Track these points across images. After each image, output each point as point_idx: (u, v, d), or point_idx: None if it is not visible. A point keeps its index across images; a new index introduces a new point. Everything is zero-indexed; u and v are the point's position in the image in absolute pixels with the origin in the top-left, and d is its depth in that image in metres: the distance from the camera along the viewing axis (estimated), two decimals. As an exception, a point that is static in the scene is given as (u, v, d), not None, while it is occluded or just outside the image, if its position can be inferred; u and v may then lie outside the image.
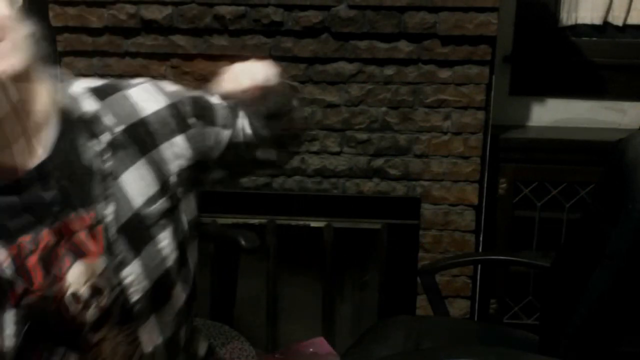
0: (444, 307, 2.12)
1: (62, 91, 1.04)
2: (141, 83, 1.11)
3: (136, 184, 1.04)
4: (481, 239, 2.49)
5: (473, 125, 2.38)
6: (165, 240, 1.06)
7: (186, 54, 2.35)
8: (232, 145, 1.18)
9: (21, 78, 0.93)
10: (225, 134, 1.16)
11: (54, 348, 1.00)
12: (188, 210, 1.11)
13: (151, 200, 1.05)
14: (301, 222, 2.47)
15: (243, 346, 1.94)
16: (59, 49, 2.35)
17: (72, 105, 1.03)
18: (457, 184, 2.42)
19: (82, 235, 1.00)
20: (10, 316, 0.96)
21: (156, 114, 1.08)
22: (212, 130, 1.14)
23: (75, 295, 0.99)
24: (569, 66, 2.68)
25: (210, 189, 1.22)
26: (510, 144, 2.55)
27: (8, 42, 0.91)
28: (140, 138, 1.06)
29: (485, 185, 2.46)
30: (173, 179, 1.08)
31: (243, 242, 2.03)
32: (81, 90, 1.06)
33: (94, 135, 1.03)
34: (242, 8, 2.29)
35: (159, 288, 1.05)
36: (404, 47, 2.32)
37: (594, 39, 2.67)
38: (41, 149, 0.99)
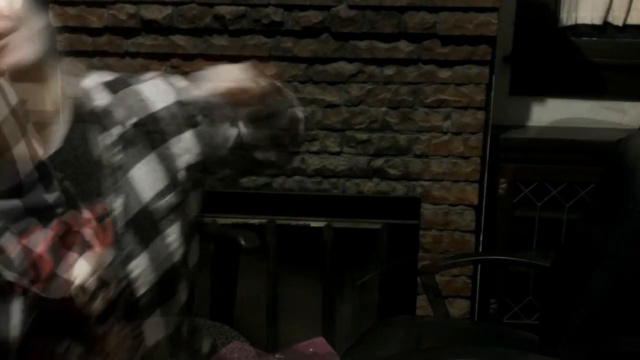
0: (444, 307, 2.13)
1: (73, 85, 1.04)
2: (152, 78, 1.12)
3: (145, 178, 1.05)
4: (481, 239, 2.49)
5: (473, 125, 2.38)
6: (172, 235, 1.06)
7: (186, 54, 2.35)
8: (237, 145, 1.18)
9: (33, 70, 0.94)
10: (232, 132, 1.17)
11: (59, 340, 1.00)
12: (193, 207, 1.12)
13: (160, 195, 1.05)
14: (301, 222, 2.47)
15: (243, 346, 1.94)
16: (58, 49, 2.35)
17: (84, 98, 1.04)
18: (457, 184, 2.42)
19: (91, 228, 1.00)
20: (17, 306, 0.97)
21: (166, 109, 1.09)
22: (220, 128, 1.15)
23: (81, 287, 1.00)
24: (569, 66, 2.68)
25: (210, 188, 1.22)
26: (510, 144, 2.55)
27: (22, 33, 0.92)
28: (150, 133, 1.06)
29: (485, 185, 2.46)
30: (182, 174, 1.09)
31: (243, 242, 2.03)
32: (93, 84, 1.07)
33: (105, 128, 1.03)
34: (242, 8, 2.29)
35: (165, 282, 1.06)
36: (404, 47, 2.32)
37: (594, 39, 2.67)
38: (52, 142, 1.00)
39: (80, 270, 1.00)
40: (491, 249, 2.55)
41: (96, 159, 1.02)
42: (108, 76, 1.10)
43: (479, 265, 2.50)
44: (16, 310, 0.97)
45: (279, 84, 1.25)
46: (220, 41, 2.33)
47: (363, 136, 2.40)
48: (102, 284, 1.01)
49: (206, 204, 1.20)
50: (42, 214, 0.98)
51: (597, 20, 2.64)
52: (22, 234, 0.97)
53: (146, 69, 2.36)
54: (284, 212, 2.46)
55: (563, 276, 1.75)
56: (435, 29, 2.28)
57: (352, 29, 2.30)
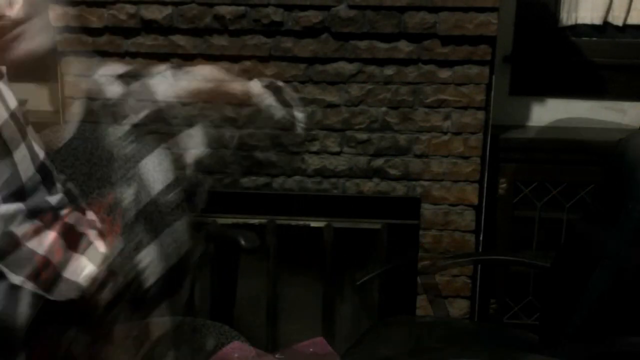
0: (444, 307, 2.13)
1: (82, 81, 1.06)
2: (163, 71, 1.14)
3: (155, 171, 1.06)
4: (481, 239, 2.49)
5: (473, 125, 2.38)
6: (180, 229, 1.07)
7: (186, 54, 2.35)
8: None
9: (37, 66, 0.95)
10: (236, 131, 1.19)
11: (65, 329, 1.01)
12: (197, 204, 1.14)
13: (169, 188, 1.06)
14: (301, 222, 2.47)
15: (243, 346, 1.94)
16: (58, 49, 2.35)
17: (97, 90, 1.05)
18: (457, 184, 2.42)
19: (95, 228, 1.01)
20: (26, 292, 0.97)
21: (176, 103, 1.10)
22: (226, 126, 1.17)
23: (90, 276, 1.00)
24: (569, 66, 2.68)
25: (211, 188, 1.22)
26: (510, 144, 2.55)
27: (37, 22, 0.92)
28: (160, 125, 1.08)
29: (485, 185, 2.46)
30: (190, 168, 1.10)
31: (243, 242, 2.03)
32: (105, 77, 1.08)
33: (116, 120, 1.05)
34: (242, 8, 2.29)
35: (173, 275, 1.06)
36: (404, 47, 2.32)
37: (594, 39, 2.67)
38: (53, 142, 1.01)
39: (90, 258, 1.00)
40: (491, 249, 2.55)
41: (108, 150, 1.03)
42: (121, 68, 1.12)
43: (479, 265, 2.50)
44: (25, 296, 0.97)
45: (279, 83, 1.25)
46: (220, 41, 2.33)
47: (363, 136, 2.40)
48: (111, 273, 1.01)
49: (206, 204, 1.20)
50: (46, 216, 0.98)
51: (597, 20, 2.64)
52: (26, 236, 0.97)
53: (146, 69, 2.36)
54: (284, 212, 2.46)
55: (563, 276, 1.75)
56: (435, 29, 2.28)
57: (352, 29, 2.30)
